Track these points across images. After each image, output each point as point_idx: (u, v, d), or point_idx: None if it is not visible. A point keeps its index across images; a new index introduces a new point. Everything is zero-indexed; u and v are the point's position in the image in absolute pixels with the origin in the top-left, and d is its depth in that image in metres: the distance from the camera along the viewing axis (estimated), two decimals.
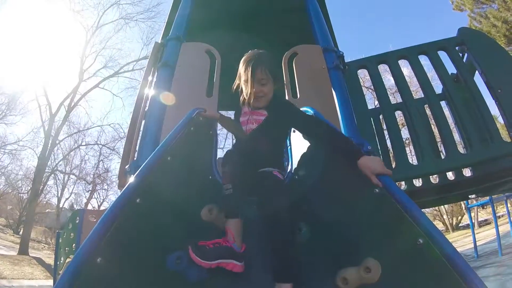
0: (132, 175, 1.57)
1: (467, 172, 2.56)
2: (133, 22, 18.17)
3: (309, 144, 1.33)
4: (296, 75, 1.97)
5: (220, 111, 1.46)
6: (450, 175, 2.48)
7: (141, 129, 1.79)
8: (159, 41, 2.22)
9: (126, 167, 1.61)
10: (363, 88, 2.39)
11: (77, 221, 4.68)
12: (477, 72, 2.38)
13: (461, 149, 2.29)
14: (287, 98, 1.93)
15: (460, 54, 2.47)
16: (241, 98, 1.38)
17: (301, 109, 1.35)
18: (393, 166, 2.11)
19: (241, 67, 1.33)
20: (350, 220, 1.09)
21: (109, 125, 22.57)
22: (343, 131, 1.76)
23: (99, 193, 25.46)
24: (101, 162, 23.33)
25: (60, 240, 5.35)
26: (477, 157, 2.06)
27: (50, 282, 11.36)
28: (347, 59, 2.25)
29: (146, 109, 1.83)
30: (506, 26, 8.92)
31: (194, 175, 1.29)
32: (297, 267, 1.06)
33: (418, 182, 2.48)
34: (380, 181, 0.97)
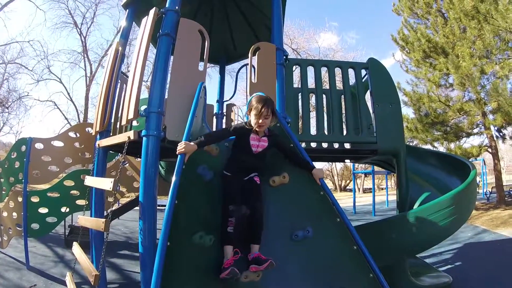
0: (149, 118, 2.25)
1: (347, 145, 3.92)
2: None
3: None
4: (257, 64, 2.85)
5: (193, 142, 1.86)
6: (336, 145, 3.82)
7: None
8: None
9: (141, 112, 2.28)
10: None
11: (23, 150, 4.60)
12: None
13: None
14: (250, 80, 2.84)
15: (365, 74, 3.65)
16: (250, 121, 2.04)
17: (255, 92, 2.32)
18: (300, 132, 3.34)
19: (254, 103, 2.01)
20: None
21: (29, 42, 19.87)
22: (278, 107, 2.79)
23: (1, 116, 22.21)
24: (6, 81, 20.34)
25: (0, 170, 5.13)
26: (349, 139, 3.40)
27: None
28: None
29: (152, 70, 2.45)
30: (428, 44, 10.51)
31: (199, 123, 2.17)
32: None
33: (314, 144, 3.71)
34: (320, 181, 2.01)
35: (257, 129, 2.02)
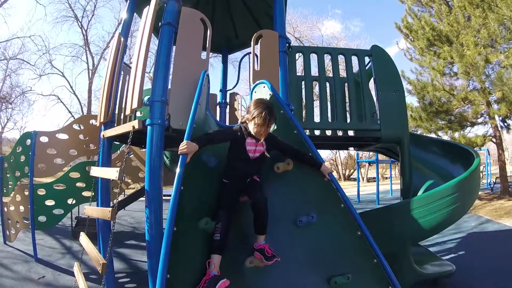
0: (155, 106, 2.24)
1: (350, 133, 3.91)
2: None
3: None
4: (259, 52, 2.83)
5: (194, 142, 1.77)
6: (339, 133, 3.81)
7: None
8: None
9: (145, 101, 2.26)
10: None
11: (28, 144, 4.61)
12: None
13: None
14: (253, 68, 2.83)
15: (368, 61, 3.61)
16: (248, 126, 1.93)
17: (258, 80, 2.31)
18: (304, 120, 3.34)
19: (256, 110, 1.87)
20: None
21: (30, 37, 20.01)
22: (281, 95, 2.79)
23: (5, 112, 22.23)
24: (8, 77, 20.34)
25: (6, 165, 5.17)
26: (353, 126, 3.40)
27: None
28: None
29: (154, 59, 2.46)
30: (432, 33, 10.37)
31: (202, 111, 2.17)
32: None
33: (317, 132, 3.71)
34: (328, 176, 1.98)
35: (259, 137, 1.93)
